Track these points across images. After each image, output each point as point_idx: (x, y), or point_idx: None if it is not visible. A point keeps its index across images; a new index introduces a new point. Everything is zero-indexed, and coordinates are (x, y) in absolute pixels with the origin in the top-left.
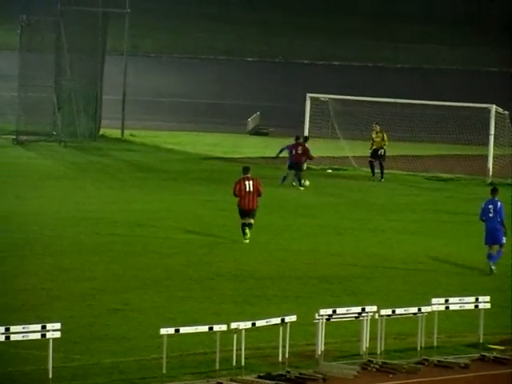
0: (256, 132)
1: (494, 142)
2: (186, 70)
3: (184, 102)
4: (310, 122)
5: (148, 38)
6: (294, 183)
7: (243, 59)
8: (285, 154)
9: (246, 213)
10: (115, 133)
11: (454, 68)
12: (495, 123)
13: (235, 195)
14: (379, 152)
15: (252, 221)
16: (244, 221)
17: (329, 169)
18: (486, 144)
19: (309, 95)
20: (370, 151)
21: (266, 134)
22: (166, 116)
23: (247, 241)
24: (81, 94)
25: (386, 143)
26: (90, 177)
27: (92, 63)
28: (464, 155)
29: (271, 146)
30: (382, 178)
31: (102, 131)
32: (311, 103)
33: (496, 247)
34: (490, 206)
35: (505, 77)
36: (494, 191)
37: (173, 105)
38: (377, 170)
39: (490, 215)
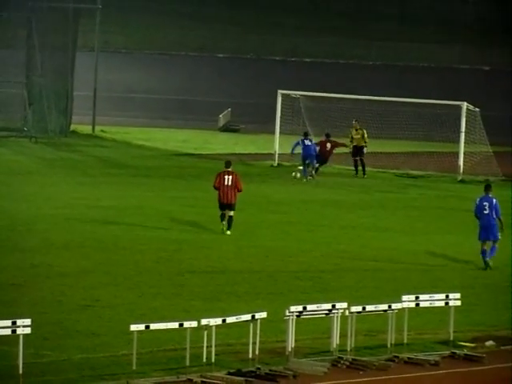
0: (227, 128)
1: (465, 139)
2: (157, 66)
3: (155, 98)
4: (281, 118)
5: (119, 34)
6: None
7: (215, 56)
8: (298, 149)
9: (224, 206)
10: (86, 129)
11: (425, 65)
12: (466, 120)
13: (215, 188)
14: (362, 150)
15: (231, 213)
16: (223, 212)
17: (300, 165)
18: (457, 141)
19: (280, 92)
20: (349, 150)
21: (236, 131)
22: (136, 112)
23: (229, 232)
24: (52, 90)
25: (367, 140)
26: (60, 173)
27: (63, 59)
28: (435, 152)
29: (242, 143)
30: (364, 174)
31: (72, 127)
32: (282, 100)
33: (489, 243)
34: (485, 203)
35: (476, 74)
36: (488, 188)
37: (144, 101)
38: (359, 168)
39: (485, 212)
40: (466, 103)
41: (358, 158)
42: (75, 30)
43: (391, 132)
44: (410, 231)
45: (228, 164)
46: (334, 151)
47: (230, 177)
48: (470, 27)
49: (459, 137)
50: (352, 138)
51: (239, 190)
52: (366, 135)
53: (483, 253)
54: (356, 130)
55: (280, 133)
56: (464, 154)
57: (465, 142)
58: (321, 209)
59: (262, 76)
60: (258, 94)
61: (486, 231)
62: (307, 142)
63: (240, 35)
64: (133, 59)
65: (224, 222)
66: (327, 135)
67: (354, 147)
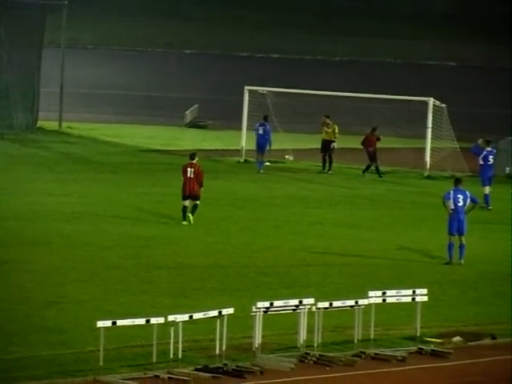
0: (194, 125)
1: (432, 134)
2: (124, 62)
3: (122, 94)
4: (248, 114)
5: (86, 30)
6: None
7: (182, 52)
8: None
9: (186, 197)
10: (53, 125)
11: (392, 61)
12: (433, 116)
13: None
14: (331, 145)
15: (196, 202)
16: (184, 203)
17: (267, 161)
18: (424, 137)
19: (247, 88)
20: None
21: (203, 127)
22: (103, 108)
23: (185, 222)
24: (18, 86)
25: (337, 135)
26: (27, 169)
27: (29, 56)
28: (402, 148)
29: (209, 139)
30: (329, 170)
31: (39, 123)
32: (249, 96)
33: (457, 239)
34: (460, 196)
35: (443, 70)
36: (458, 181)
37: (111, 97)
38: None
39: (460, 204)
40: (432, 99)
41: (326, 154)
42: (42, 27)
43: (358, 128)
44: (377, 227)
45: (192, 156)
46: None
47: (193, 169)
48: (437, 23)
49: (426, 133)
50: (324, 132)
51: (199, 184)
52: (336, 130)
53: (450, 246)
54: (327, 124)
55: (247, 129)
56: (431, 149)
57: (432, 138)
58: (288, 205)
59: (229, 72)
60: (226, 90)
61: (458, 224)
62: (260, 131)
63: (207, 31)
64: (100, 55)
65: (189, 214)
66: (374, 129)
67: (323, 142)
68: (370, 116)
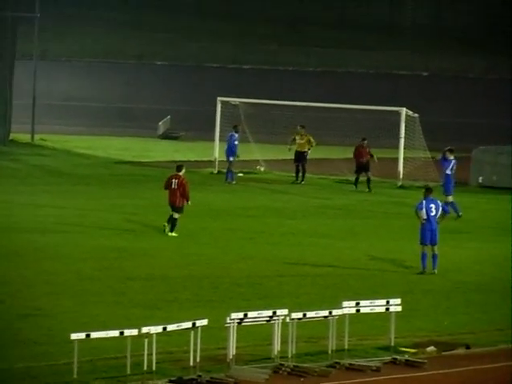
0: (167, 136)
1: (405, 144)
2: (96, 74)
3: (95, 106)
4: (220, 125)
5: (58, 42)
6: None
7: (154, 63)
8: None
9: (170, 207)
10: (25, 137)
11: (364, 71)
12: (405, 126)
13: (165, 189)
14: (304, 154)
15: (176, 215)
16: (171, 214)
17: (239, 172)
18: (397, 147)
19: (219, 99)
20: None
21: (176, 138)
22: (76, 120)
23: (170, 234)
24: None
25: (313, 145)
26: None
27: (1, 68)
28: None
29: (182, 150)
30: (302, 180)
31: (12, 136)
32: (222, 107)
33: (430, 248)
34: (432, 205)
35: (416, 80)
36: (429, 191)
37: (83, 109)
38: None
39: (432, 214)
40: (405, 109)
41: (299, 164)
42: (13, 39)
43: (331, 138)
44: (350, 237)
45: (179, 168)
46: None
47: (177, 180)
48: (408, 33)
49: (399, 142)
50: (296, 143)
51: (182, 196)
52: (312, 140)
53: (423, 257)
54: (301, 135)
55: (220, 140)
56: (403, 159)
57: (404, 148)
58: (261, 215)
59: (201, 83)
60: (198, 102)
61: (431, 234)
62: (232, 140)
63: (179, 42)
64: (72, 67)
65: (167, 224)
66: (363, 139)
67: (297, 153)
68: (343, 126)
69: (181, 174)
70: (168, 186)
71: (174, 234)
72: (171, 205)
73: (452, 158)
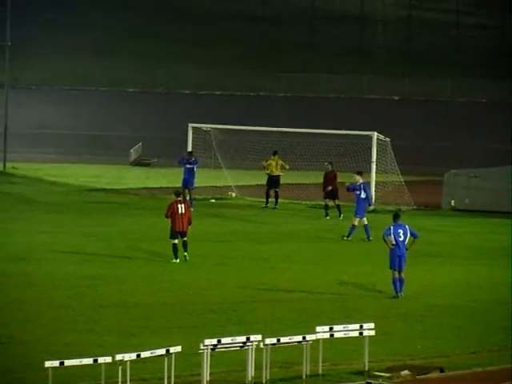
0: (139, 163)
1: (377, 168)
2: (67, 101)
3: (66, 133)
4: (192, 151)
5: (28, 69)
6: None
7: (125, 90)
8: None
9: (178, 234)
10: None
11: (335, 96)
12: (377, 150)
13: (167, 217)
14: (278, 180)
15: (185, 238)
16: (174, 241)
17: (212, 198)
18: (369, 171)
19: (191, 125)
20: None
21: (148, 165)
22: (48, 148)
23: (177, 260)
24: None
25: (286, 167)
26: None
27: None
28: (345, 182)
29: (153, 177)
30: (276, 204)
31: None
32: (193, 133)
33: (397, 273)
34: (400, 231)
35: (386, 104)
36: (397, 216)
37: (55, 137)
38: (271, 199)
39: (401, 239)
40: (376, 133)
41: (272, 189)
42: None
43: (303, 163)
44: (323, 262)
45: (178, 194)
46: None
47: (183, 205)
48: (378, 57)
49: (370, 167)
50: (267, 168)
51: (189, 221)
52: (284, 165)
53: (395, 281)
54: (276, 163)
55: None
56: (375, 183)
57: (376, 172)
58: (233, 241)
59: (172, 109)
60: (169, 128)
61: (400, 259)
62: (189, 166)
63: (149, 68)
64: (43, 95)
65: (185, 254)
66: (331, 163)
67: (270, 178)
68: (314, 151)
69: (181, 198)
70: (174, 211)
71: (178, 261)
72: (180, 230)
73: (361, 180)
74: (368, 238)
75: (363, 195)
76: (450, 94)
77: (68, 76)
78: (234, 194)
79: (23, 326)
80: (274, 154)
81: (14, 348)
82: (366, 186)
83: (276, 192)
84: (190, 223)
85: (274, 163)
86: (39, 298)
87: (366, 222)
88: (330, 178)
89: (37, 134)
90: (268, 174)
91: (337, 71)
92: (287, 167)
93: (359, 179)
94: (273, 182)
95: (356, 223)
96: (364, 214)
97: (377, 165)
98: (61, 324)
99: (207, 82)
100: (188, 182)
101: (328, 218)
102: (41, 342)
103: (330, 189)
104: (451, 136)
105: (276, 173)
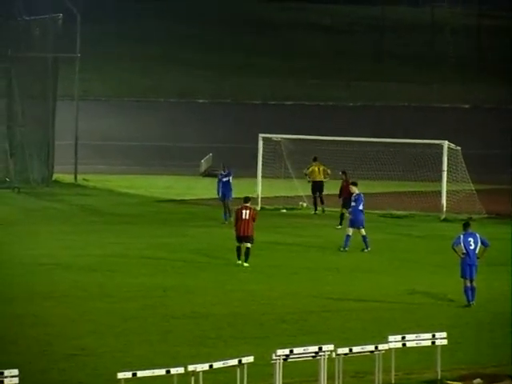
0: (209, 173)
1: (448, 177)
2: (136, 113)
3: (135, 145)
4: (262, 162)
5: (98, 81)
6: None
7: (194, 101)
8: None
9: (241, 238)
10: (68, 178)
11: (405, 104)
12: (448, 159)
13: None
14: (319, 185)
15: (248, 245)
16: (239, 245)
17: (283, 208)
18: (440, 180)
19: (261, 135)
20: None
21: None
22: (118, 160)
23: (240, 262)
24: (33, 139)
25: (328, 172)
26: (43, 222)
27: (43, 109)
28: (418, 192)
29: None
30: (323, 211)
31: (55, 176)
32: (264, 143)
33: (468, 281)
34: (471, 239)
35: (456, 112)
36: (467, 225)
37: (124, 148)
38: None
39: (471, 248)
40: (447, 142)
41: (317, 195)
42: (55, 79)
43: (373, 173)
44: (394, 271)
45: (246, 199)
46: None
47: (248, 211)
48: (447, 65)
49: (441, 176)
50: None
51: (254, 220)
52: (327, 169)
53: (466, 290)
54: (318, 168)
55: (262, 176)
56: (447, 192)
57: (447, 181)
58: (304, 251)
59: (242, 120)
60: (239, 138)
61: (471, 268)
62: (225, 179)
63: (218, 79)
64: (112, 106)
65: (241, 257)
66: (344, 173)
67: (314, 184)
68: (384, 160)
69: (249, 204)
70: (239, 217)
71: (246, 265)
72: (243, 236)
73: (357, 191)
74: (365, 249)
75: (361, 207)
76: None
77: (136, 87)
78: (304, 204)
79: (95, 337)
80: (315, 159)
81: (87, 359)
82: (360, 198)
83: (321, 198)
84: (254, 220)
85: (316, 169)
86: (111, 310)
87: (364, 233)
88: (345, 188)
89: (106, 145)
90: (311, 181)
91: (405, 80)
92: (329, 172)
93: (355, 190)
94: (317, 187)
95: (350, 233)
96: (362, 224)
97: (448, 173)
98: (133, 335)
99: (276, 93)
100: (225, 194)
101: (340, 226)
102: (113, 354)
103: (344, 197)
104: None
105: (319, 178)
